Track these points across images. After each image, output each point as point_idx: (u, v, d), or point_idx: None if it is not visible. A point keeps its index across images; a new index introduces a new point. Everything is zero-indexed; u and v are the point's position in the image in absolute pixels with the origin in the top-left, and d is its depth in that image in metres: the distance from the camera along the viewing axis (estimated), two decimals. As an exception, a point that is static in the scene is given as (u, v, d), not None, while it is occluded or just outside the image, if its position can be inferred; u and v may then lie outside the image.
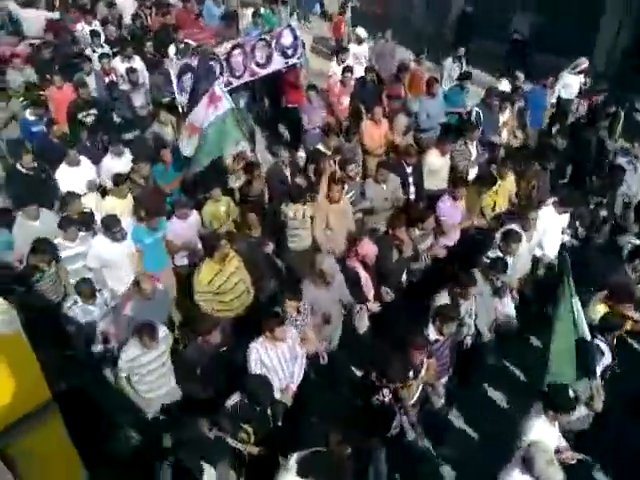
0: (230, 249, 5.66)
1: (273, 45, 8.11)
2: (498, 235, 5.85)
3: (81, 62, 9.39)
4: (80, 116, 8.40)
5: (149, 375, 4.89)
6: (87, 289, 5.28)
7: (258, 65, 8.09)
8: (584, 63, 9.63)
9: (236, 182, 7.11)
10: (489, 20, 12.54)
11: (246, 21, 11.62)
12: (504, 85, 9.25)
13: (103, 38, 10.65)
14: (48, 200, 6.88)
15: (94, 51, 10.14)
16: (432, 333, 4.82)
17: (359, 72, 9.90)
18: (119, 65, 9.50)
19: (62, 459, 4.35)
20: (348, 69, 8.92)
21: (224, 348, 5.02)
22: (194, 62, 7.40)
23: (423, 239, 6.32)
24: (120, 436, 5.51)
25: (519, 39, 11.83)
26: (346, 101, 8.87)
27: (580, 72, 9.70)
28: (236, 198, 6.96)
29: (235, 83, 7.99)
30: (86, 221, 6.27)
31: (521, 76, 9.15)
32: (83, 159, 7.24)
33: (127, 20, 12.21)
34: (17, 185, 7.32)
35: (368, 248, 5.68)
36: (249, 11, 11.86)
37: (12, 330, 3.66)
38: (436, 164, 7.46)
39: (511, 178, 7.11)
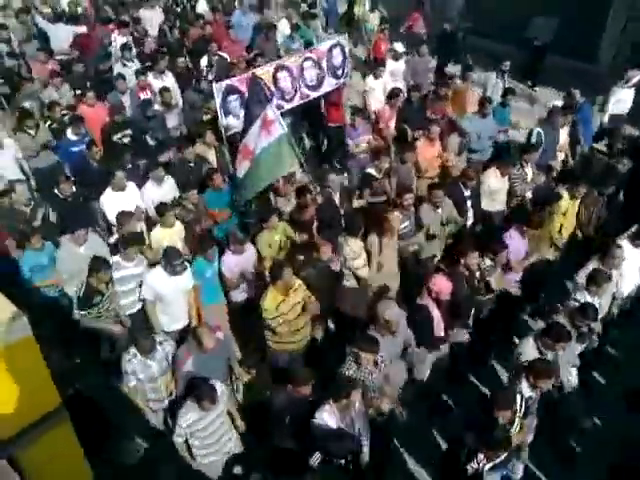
0: (295, 280, 5.36)
1: (324, 66, 7.75)
2: (582, 275, 5.44)
3: (115, 79, 9.10)
4: (115, 138, 8.07)
5: (210, 437, 4.59)
6: (147, 343, 4.80)
7: (309, 87, 7.74)
8: (637, 76, 9.14)
9: (287, 206, 6.79)
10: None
11: (281, 35, 11.26)
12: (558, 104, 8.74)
13: (134, 52, 10.33)
14: (87, 226, 6.42)
15: (125, 65, 9.81)
16: (525, 389, 4.40)
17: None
18: (153, 82, 9.17)
19: (71, 466, 4.36)
20: (396, 92, 8.49)
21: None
22: (240, 85, 7.06)
23: (491, 272, 5.88)
24: (128, 444, 5.52)
25: (539, 45, 11.75)
26: (393, 123, 8.50)
27: (633, 86, 9.19)
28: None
29: (286, 106, 7.65)
30: (142, 241, 6.06)
31: (576, 93, 8.77)
32: (129, 183, 6.92)
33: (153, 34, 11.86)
34: (55, 211, 7.07)
35: (442, 284, 5.21)
36: (284, 24, 11.52)
37: (22, 336, 3.65)
38: (496, 185, 7.14)
39: (577, 201, 6.78)
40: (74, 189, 7.01)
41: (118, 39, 10.49)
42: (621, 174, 7.42)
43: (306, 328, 5.56)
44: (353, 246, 5.88)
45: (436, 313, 5.26)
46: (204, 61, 9.97)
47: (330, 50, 7.76)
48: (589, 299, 5.18)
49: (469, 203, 7.04)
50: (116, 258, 5.83)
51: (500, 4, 13.01)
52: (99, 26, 11.46)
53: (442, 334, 5.37)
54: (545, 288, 6.81)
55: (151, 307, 5.65)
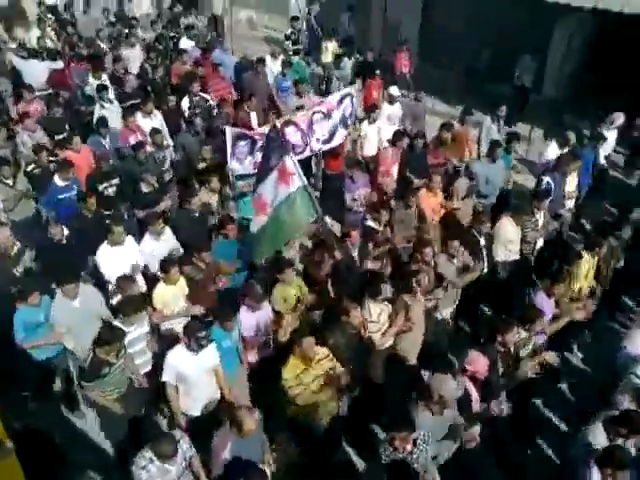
0: (320, 349, 4.92)
1: (336, 117, 7.47)
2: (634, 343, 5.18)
3: (98, 123, 8.53)
4: (101, 188, 7.50)
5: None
6: (169, 448, 4.07)
7: (319, 141, 7.45)
8: (620, 118, 9.22)
9: (289, 251, 6.45)
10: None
11: (269, 72, 10.95)
12: (553, 148, 8.63)
13: (112, 92, 9.80)
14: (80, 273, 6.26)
15: (103, 107, 9.23)
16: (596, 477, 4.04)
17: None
18: (142, 122, 8.69)
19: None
20: (399, 135, 8.23)
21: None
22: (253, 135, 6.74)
23: (524, 343, 5.39)
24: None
25: (524, 85, 12.01)
26: (396, 169, 8.22)
27: (616, 127, 9.25)
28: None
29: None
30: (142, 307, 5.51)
31: (572, 136, 8.77)
32: (127, 238, 6.39)
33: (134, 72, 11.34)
34: (45, 256, 6.47)
35: (479, 362, 4.84)
36: (269, 60, 11.23)
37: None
38: (512, 235, 6.92)
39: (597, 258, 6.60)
40: (65, 233, 6.50)
41: (93, 81, 9.91)
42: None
43: (331, 402, 5.11)
44: (373, 309, 5.49)
45: (475, 394, 4.87)
46: (185, 102, 9.60)
47: (341, 101, 7.53)
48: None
49: (484, 251, 6.83)
50: (117, 323, 5.35)
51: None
52: (74, 64, 10.88)
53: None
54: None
55: (172, 391, 5.04)
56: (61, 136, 8.73)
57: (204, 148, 7.88)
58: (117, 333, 4.96)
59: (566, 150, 8.36)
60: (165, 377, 4.97)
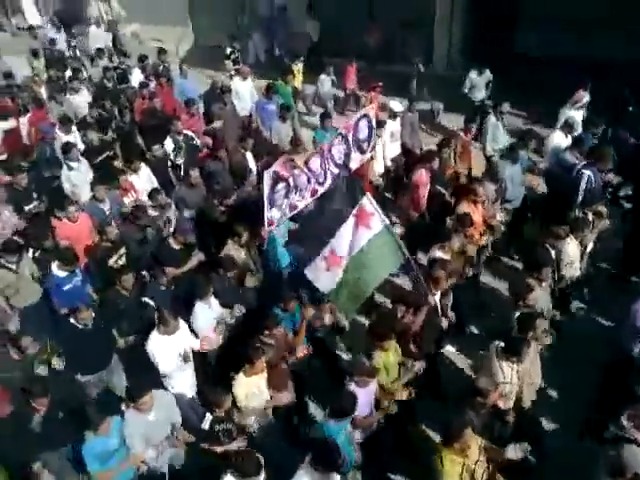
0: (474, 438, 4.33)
1: (350, 140, 6.82)
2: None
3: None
4: (112, 262, 6.59)
5: None
6: None
7: (337, 165, 6.68)
8: (585, 97, 9.09)
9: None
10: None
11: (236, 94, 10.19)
12: (558, 136, 8.24)
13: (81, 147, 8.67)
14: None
15: (71, 168, 8.00)
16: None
17: (395, 151, 9.00)
18: (136, 181, 7.70)
19: None
20: (431, 155, 7.73)
21: None
22: (286, 172, 5.98)
23: None
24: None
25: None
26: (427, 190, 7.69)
27: (582, 106, 9.14)
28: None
29: (320, 190, 6.56)
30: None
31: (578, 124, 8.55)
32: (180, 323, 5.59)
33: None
34: (74, 344, 5.60)
35: None
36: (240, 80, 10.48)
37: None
38: (575, 252, 6.46)
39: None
40: (93, 317, 5.64)
41: (61, 136, 8.76)
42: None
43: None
44: (505, 369, 4.90)
45: None
46: (169, 144, 8.64)
47: (357, 123, 6.87)
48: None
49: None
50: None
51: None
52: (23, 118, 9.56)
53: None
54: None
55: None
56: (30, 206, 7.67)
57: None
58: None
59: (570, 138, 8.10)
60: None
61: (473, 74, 10.52)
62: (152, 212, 7.21)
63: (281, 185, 5.98)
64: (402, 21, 13.43)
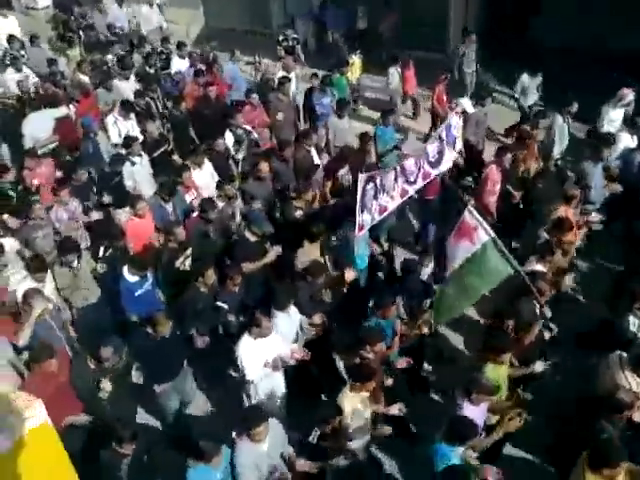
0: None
1: (444, 137, 6.40)
2: None
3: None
4: (178, 264, 6.28)
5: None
6: None
7: (431, 164, 6.30)
8: (629, 94, 8.47)
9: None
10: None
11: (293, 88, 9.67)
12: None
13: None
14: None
15: (133, 164, 7.56)
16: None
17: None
18: (198, 177, 7.35)
19: None
20: (503, 151, 7.22)
21: None
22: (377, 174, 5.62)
23: None
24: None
25: None
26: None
27: (627, 105, 8.55)
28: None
29: (411, 191, 6.18)
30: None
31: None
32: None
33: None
34: (150, 355, 5.27)
35: None
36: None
37: (39, 423, 3.45)
38: None
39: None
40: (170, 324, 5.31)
41: (113, 127, 8.38)
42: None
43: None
44: (632, 381, 4.62)
45: None
46: (230, 138, 8.24)
47: (450, 123, 6.48)
48: None
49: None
50: None
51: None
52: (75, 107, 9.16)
53: None
54: None
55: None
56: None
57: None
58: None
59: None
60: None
61: (525, 77, 9.62)
62: (219, 202, 6.83)
63: (369, 185, 5.62)
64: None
